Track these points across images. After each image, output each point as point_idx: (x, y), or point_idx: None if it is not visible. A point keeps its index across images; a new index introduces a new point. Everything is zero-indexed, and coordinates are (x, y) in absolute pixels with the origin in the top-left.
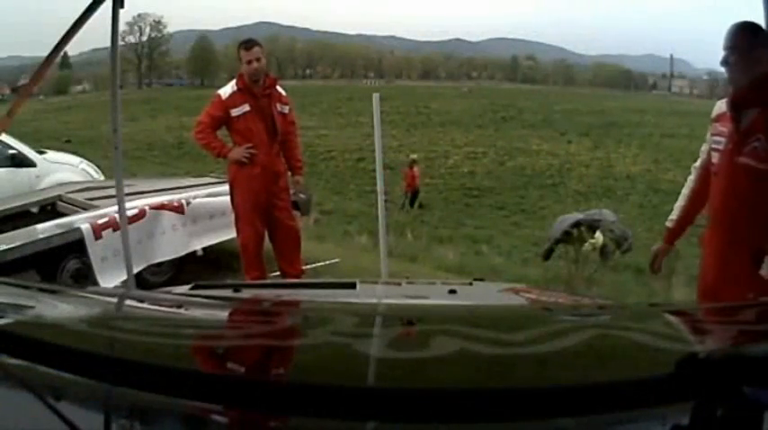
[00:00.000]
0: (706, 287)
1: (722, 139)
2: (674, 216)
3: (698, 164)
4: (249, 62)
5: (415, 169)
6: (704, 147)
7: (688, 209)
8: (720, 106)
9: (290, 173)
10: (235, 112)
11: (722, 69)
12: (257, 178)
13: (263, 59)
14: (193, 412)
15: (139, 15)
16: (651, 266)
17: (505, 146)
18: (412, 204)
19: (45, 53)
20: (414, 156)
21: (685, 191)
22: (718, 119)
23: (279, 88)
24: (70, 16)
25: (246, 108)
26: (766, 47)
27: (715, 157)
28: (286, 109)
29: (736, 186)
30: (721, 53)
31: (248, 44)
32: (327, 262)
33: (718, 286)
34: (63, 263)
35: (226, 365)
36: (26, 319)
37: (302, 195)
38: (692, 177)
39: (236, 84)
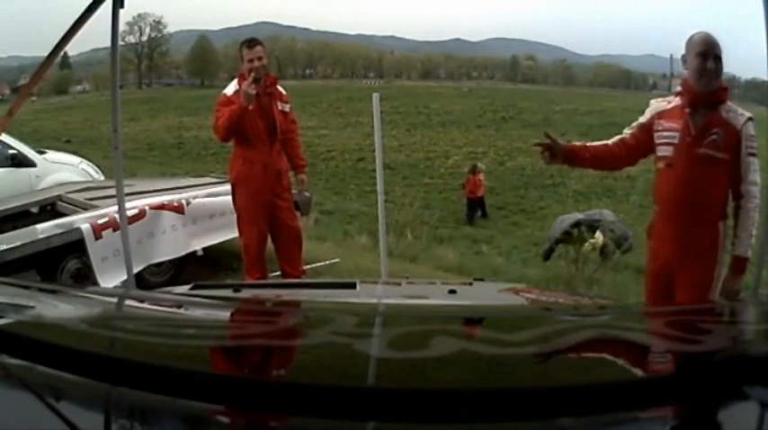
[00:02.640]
0: (661, 266)
1: (675, 134)
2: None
3: (616, 138)
4: (251, 61)
5: (480, 176)
6: (628, 131)
7: (586, 146)
8: (658, 105)
9: (293, 172)
10: None
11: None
12: (259, 177)
13: (265, 59)
14: (193, 412)
15: (139, 15)
16: (543, 157)
17: (505, 146)
18: (472, 215)
19: (45, 53)
20: (480, 164)
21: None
22: (662, 116)
23: (279, 87)
24: (70, 16)
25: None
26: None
27: (667, 151)
28: (287, 107)
29: (695, 174)
30: (724, 53)
31: (251, 43)
32: (327, 262)
33: (676, 267)
34: (63, 263)
35: (226, 365)
36: (26, 319)
37: (306, 194)
38: (611, 140)
39: (238, 83)
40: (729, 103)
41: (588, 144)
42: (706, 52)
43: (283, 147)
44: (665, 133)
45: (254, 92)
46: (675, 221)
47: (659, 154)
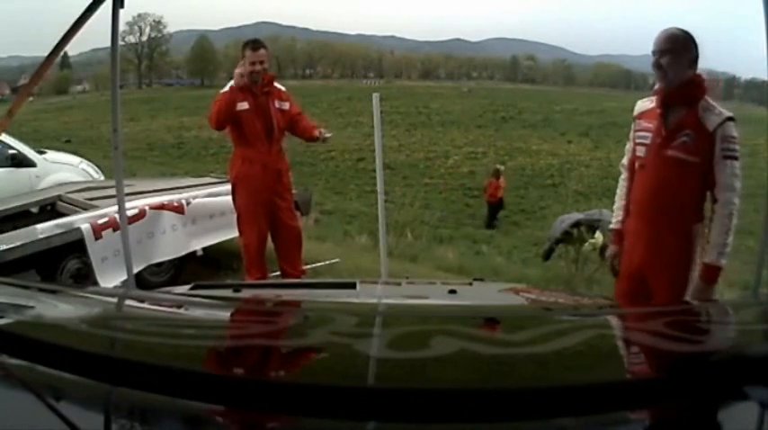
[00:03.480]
0: (633, 270)
1: (648, 135)
2: (617, 218)
3: (625, 162)
4: (253, 64)
5: (501, 179)
6: (629, 146)
7: (629, 206)
8: (641, 105)
9: (316, 132)
10: (237, 106)
11: (722, 69)
12: (258, 177)
13: (267, 63)
14: (193, 412)
15: (139, 15)
16: (612, 270)
17: (505, 146)
18: (492, 218)
19: (45, 53)
20: (500, 166)
21: (621, 191)
22: (642, 116)
23: (277, 85)
24: (70, 16)
25: (245, 106)
26: (695, 51)
27: (641, 151)
28: (286, 105)
29: (664, 177)
30: (724, 53)
31: (255, 45)
32: (327, 262)
33: (648, 269)
34: (63, 263)
35: (226, 365)
36: (26, 319)
37: (327, 134)
38: (623, 176)
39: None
40: (711, 101)
41: (618, 208)
42: (655, 49)
43: (297, 133)
44: (642, 133)
45: (244, 76)
46: (646, 223)
47: (636, 154)
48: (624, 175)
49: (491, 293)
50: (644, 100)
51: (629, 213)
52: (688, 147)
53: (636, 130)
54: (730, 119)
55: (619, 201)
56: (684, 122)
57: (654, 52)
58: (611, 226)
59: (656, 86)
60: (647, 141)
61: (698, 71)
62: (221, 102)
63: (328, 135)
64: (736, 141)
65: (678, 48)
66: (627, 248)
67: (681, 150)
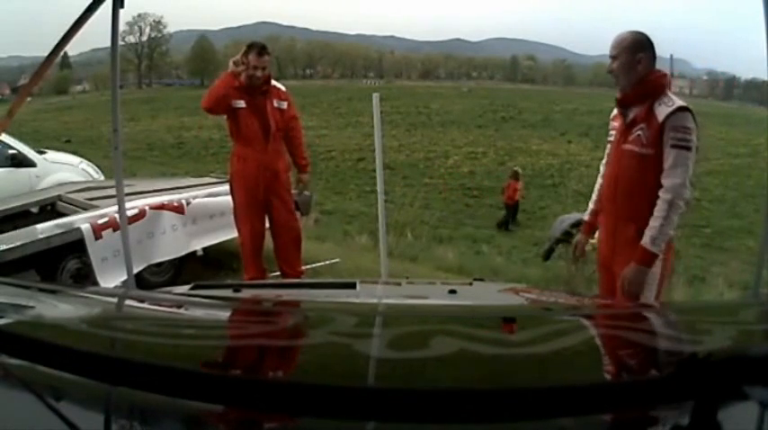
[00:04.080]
0: (603, 259)
1: (612, 132)
2: (588, 210)
3: (605, 160)
4: (255, 68)
5: (519, 182)
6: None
7: (600, 202)
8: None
9: (295, 170)
10: (234, 104)
11: (722, 70)
12: (253, 175)
13: (268, 69)
14: (193, 412)
15: (139, 15)
16: (573, 256)
17: (505, 146)
18: (508, 220)
19: (45, 53)
20: (518, 168)
21: (596, 187)
22: (614, 118)
23: (276, 83)
24: (70, 16)
25: (242, 104)
26: (644, 51)
27: (608, 148)
28: (284, 104)
29: (622, 170)
30: (724, 53)
31: (261, 51)
32: (327, 262)
33: (611, 258)
34: (63, 263)
35: (226, 365)
36: (26, 319)
37: (307, 193)
38: (601, 173)
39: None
40: (671, 95)
41: (592, 201)
42: (610, 54)
43: (286, 144)
44: (611, 132)
45: (240, 66)
46: (610, 216)
47: (606, 152)
48: (600, 172)
49: (491, 293)
50: None
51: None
52: (642, 141)
53: (609, 131)
54: (683, 109)
55: (593, 196)
56: (638, 117)
57: (609, 56)
58: (585, 216)
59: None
60: (611, 138)
61: (700, 70)
62: (216, 85)
63: (305, 180)
64: (689, 131)
65: (625, 52)
66: (598, 240)
67: (635, 144)
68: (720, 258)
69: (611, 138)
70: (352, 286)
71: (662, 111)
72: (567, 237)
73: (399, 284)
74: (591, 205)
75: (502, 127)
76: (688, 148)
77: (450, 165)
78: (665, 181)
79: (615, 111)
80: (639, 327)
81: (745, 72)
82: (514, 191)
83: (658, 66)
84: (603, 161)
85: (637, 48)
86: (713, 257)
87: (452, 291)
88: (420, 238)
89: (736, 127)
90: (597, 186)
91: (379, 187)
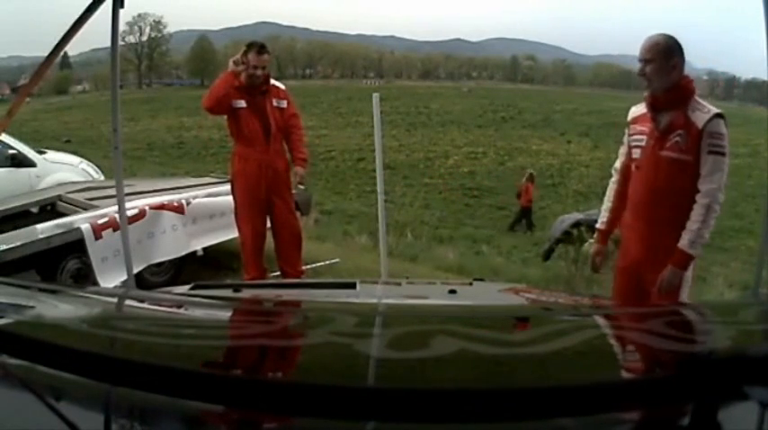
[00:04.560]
0: (630, 263)
1: (644, 137)
2: (603, 218)
3: (617, 166)
4: (254, 67)
5: (533, 184)
6: (623, 150)
7: (616, 209)
8: (635, 110)
9: (292, 165)
10: (234, 104)
11: (722, 69)
12: (254, 175)
13: (268, 69)
14: (193, 412)
15: (139, 15)
16: (593, 266)
17: (505, 146)
18: (518, 222)
19: (45, 53)
20: (531, 171)
21: (609, 193)
22: (636, 121)
23: (276, 83)
24: (70, 16)
25: (242, 104)
26: (678, 56)
27: (636, 153)
28: (284, 103)
29: (659, 176)
30: (724, 53)
31: (261, 50)
32: (327, 262)
33: (641, 262)
34: (63, 263)
35: (226, 365)
36: (26, 319)
37: (301, 186)
38: (613, 179)
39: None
40: (699, 100)
41: (606, 209)
42: (639, 58)
43: (286, 141)
44: (636, 137)
45: (240, 66)
46: (643, 221)
47: (632, 156)
48: (615, 178)
49: (491, 293)
50: (637, 106)
51: (618, 214)
52: (681, 147)
53: (630, 134)
54: (718, 116)
55: (607, 203)
56: (675, 123)
57: (639, 60)
58: (598, 225)
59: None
60: (642, 144)
61: (700, 70)
62: (217, 84)
63: (301, 173)
64: (724, 138)
65: (659, 56)
66: (623, 245)
67: (674, 150)
68: (720, 258)
69: (640, 143)
70: (352, 286)
71: (699, 118)
72: (566, 237)
73: (399, 284)
74: (606, 213)
75: (502, 127)
76: (723, 154)
77: (451, 165)
78: (703, 186)
79: (634, 114)
80: (639, 327)
81: (745, 72)
82: (530, 193)
83: None
84: (617, 166)
85: (672, 53)
86: (713, 257)
87: (452, 291)
88: (420, 238)
89: (736, 127)
90: (611, 193)
91: (379, 187)
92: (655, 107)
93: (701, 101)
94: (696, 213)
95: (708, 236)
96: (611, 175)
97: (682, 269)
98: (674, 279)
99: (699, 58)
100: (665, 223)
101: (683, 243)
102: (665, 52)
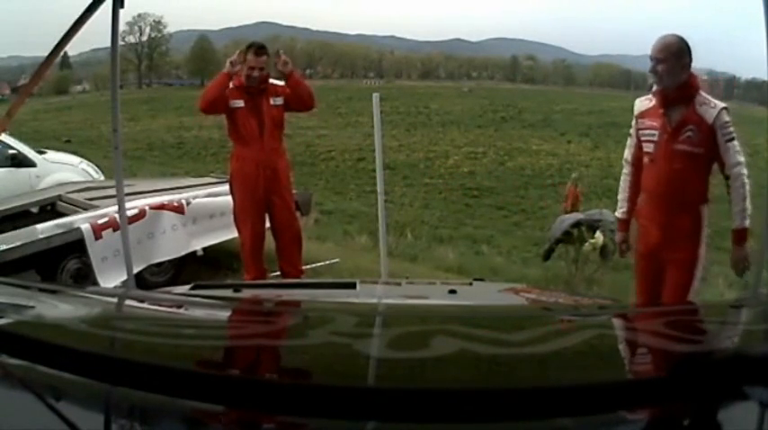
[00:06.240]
0: (651, 249)
1: (654, 132)
2: (623, 208)
3: (628, 158)
4: (252, 68)
5: (579, 188)
6: (631, 142)
7: (632, 197)
8: (641, 104)
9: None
10: (232, 104)
11: (722, 69)
12: (251, 175)
13: (267, 69)
14: (193, 412)
15: (139, 15)
16: (621, 253)
17: (505, 146)
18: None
19: (45, 53)
20: (575, 174)
21: (624, 184)
22: (643, 115)
23: (273, 81)
24: (70, 16)
25: (240, 104)
26: (689, 56)
27: (649, 147)
28: (279, 101)
29: (673, 167)
30: (724, 53)
31: (259, 50)
32: (327, 262)
33: (660, 246)
34: (63, 263)
35: (226, 365)
36: (26, 319)
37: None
38: (626, 170)
39: (233, 82)
40: (703, 95)
41: (623, 199)
42: (651, 56)
43: (293, 95)
44: (647, 131)
45: (237, 66)
46: (659, 209)
47: (644, 150)
48: (627, 170)
49: (491, 293)
50: (642, 99)
51: (634, 203)
52: (693, 141)
53: (639, 128)
54: (723, 108)
55: (623, 193)
56: (686, 119)
57: (651, 59)
58: (618, 215)
59: (654, 88)
60: (655, 138)
61: (700, 70)
62: (211, 85)
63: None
64: (731, 124)
65: (672, 56)
66: (642, 232)
67: (687, 144)
68: (720, 258)
69: (653, 138)
70: (352, 286)
71: (708, 113)
72: (566, 237)
73: (399, 284)
74: (625, 203)
75: (502, 127)
76: (735, 138)
77: (451, 165)
78: (731, 170)
79: (641, 108)
80: (639, 327)
81: (745, 72)
82: (576, 198)
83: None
84: (628, 158)
85: (683, 53)
86: (713, 257)
87: (452, 291)
88: (420, 238)
89: (736, 127)
90: (626, 184)
91: (379, 187)
92: (665, 103)
93: (704, 94)
94: (735, 194)
95: (750, 206)
96: (611, 175)
97: (744, 244)
98: (741, 254)
99: (699, 58)
100: (679, 209)
101: (737, 223)
102: (678, 53)
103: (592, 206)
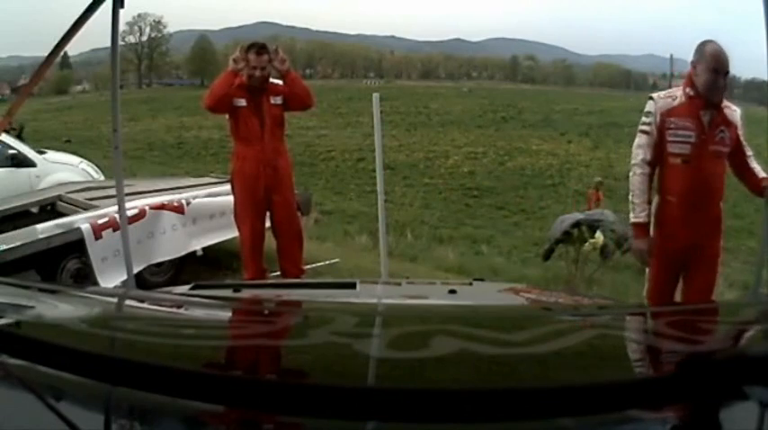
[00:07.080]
0: (674, 252)
1: (690, 133)
2: (644, 211)
3: (647, 157)
4: (254, 68)
5: (601, 192)
6: (645, 141)
7: (650, 200)
8: (663, 103)
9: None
10: (235, 103)
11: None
12: (252, 174)
13: (267, 69)
14: (193, 412)
15: (139, 15)
16: (642, 262)
17: (505, 146)
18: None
19: (45, 53)
20: (599, 178)
21: (643, 185)
22: (670, 114)
23: (274, 80)
24: (70, 16)
25: (243, 103)
26: None
27: (683, 148)
28: (278, 100)
29: (708, 167)
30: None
31: (260, 50)
32: (327, 262)
33: (688, 249)
34: (63, 263)
35: (226, 365)
36: (26, 319)
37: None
38: (643, 171)
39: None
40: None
41: (640, 203)
42: (718, 70)
43: (292, 95)
44: (680, 131)
45: (240, 65)
46: (694, 209)
47: (673, 150)
48: (646, 170)
49: (491, 293)
50: (662, 96)
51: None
52: (725, 141)
53: (668, 128)
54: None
55: (642, 196)
56: (718, 121)
57: (723, 73)
58: (637, 220)
59: (689, 91)
60: (691, 139)
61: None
62: (218, 83)
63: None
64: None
65: (729, 68)
66: (665, 234)
67: (721, 144)
68: (720, 258)
69: (689, 139)
70: (352, 286)
71: (733, 116)
72: (566, 237)
73: (399, 284)
74: (644, 205)
75: (502, 127)
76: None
77: (451, 165)
78: (750, 158)
79: (665, 107)
80: (639, 327)
81: (745, 72)
82: (598, 201)
83: (656, 65)
84: (645, 158)
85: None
86: None
87: (452, 291)
88: (420, 238)
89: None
90: (644, 186)
91: (379, 187)
92: (705, 105)
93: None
94: (759, 169)
95: None
96: (611, 175)
97: None
98: None
99: None
100: (710, 207)
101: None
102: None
103: (592, 206)
